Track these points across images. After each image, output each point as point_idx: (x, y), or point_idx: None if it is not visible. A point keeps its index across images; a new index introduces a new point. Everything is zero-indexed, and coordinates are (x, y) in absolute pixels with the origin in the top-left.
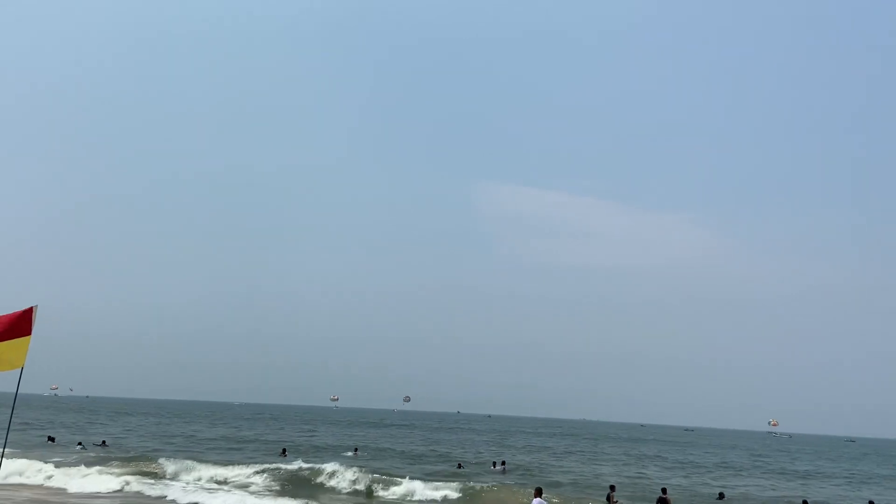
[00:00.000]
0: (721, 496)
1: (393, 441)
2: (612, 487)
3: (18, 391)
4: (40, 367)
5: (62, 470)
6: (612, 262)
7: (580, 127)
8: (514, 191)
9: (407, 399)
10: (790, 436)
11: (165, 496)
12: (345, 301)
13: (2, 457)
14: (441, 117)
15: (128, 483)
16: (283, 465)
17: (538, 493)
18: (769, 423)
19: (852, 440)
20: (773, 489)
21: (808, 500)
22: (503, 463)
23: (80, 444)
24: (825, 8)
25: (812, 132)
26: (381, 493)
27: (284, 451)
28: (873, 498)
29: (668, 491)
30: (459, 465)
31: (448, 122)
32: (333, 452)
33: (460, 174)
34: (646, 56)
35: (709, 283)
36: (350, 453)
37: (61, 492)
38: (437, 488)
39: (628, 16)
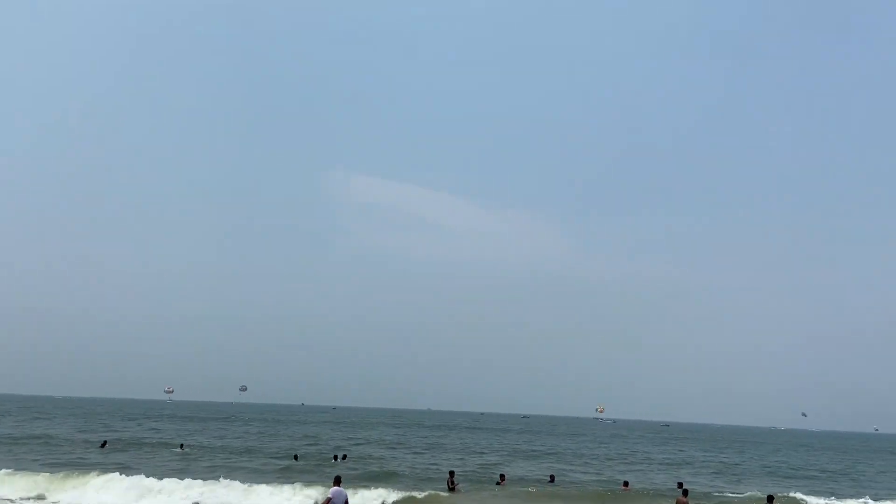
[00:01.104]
0: (552, 479)
1: (227, 435)
2: (452, 473)
3: None
4: None
5: None
6: (463, 257)
7: (439, 120)
8: (367, 182)
9: (243, 389)
10: (614, 421)
11: None
12: (181, 286)
13: None
14: (287, 102)
15: None
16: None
17: (337, 481)
18: (596, 409)
19: (667, 425)
20: (598, 474)
21: (629, 482)
22: (344, 456)
23: None
24: (656, 22)
25: (658, 141)
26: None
27: (104, 443)
28: (682, 479)
29: (505, 477)
30: (295, 456)
31: (294, 107)
32: (164, 448)
33: (305, 162)
34: (512, 50)
35: (551, 277)
36: (177, 449)
37: None
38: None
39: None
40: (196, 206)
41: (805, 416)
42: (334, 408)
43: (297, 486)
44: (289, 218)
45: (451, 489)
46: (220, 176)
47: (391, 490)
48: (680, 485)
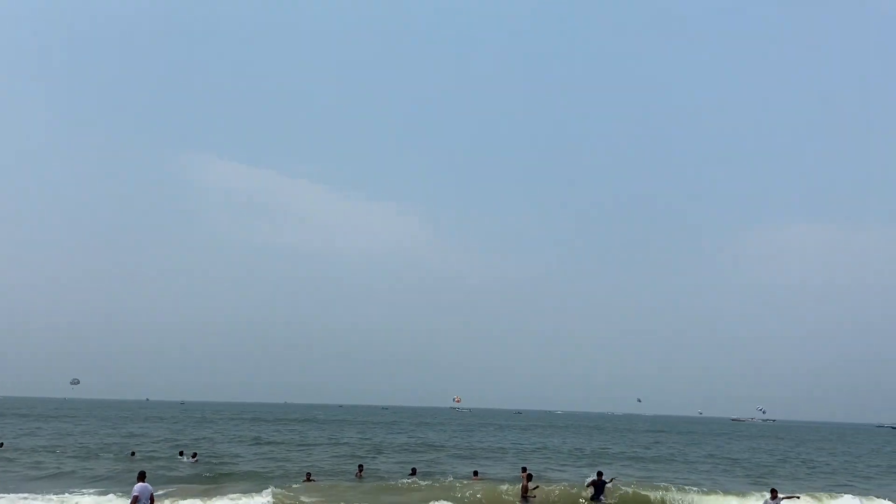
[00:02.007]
0: (413, 472)
1: (55, 433)
2: (308, 475)
3: None
4: None
5: None
6: (325, 247)
7: (301, 106)
8: (226, 166)
9: (75, 382)
10: (470, 410)
11: None
12: (8, 276)
13: None
14: (140, 77)
15: None
16: None
17: (141, 477)
18: (454, 399)
19: (519, 412)
20: (451, 465)
21: (479, 471)
22: (194, 455)
23: None
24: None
25: (515, 140)
26: None
27: None
28: (525, 465)
29: (363, 468)
30: (133, 452)
31: (150, 84)
32: None
33: (160, 143)
34: (372, 43)
35: (413, 270)
36: None
37: None
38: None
39: None
40: (30, 192)
41: (640, 401)
42: (182, 402)
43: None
44: (138, 203)
45: (308, 480)
46: (66, 162)
47: (243, 493)
48: (524, 469)
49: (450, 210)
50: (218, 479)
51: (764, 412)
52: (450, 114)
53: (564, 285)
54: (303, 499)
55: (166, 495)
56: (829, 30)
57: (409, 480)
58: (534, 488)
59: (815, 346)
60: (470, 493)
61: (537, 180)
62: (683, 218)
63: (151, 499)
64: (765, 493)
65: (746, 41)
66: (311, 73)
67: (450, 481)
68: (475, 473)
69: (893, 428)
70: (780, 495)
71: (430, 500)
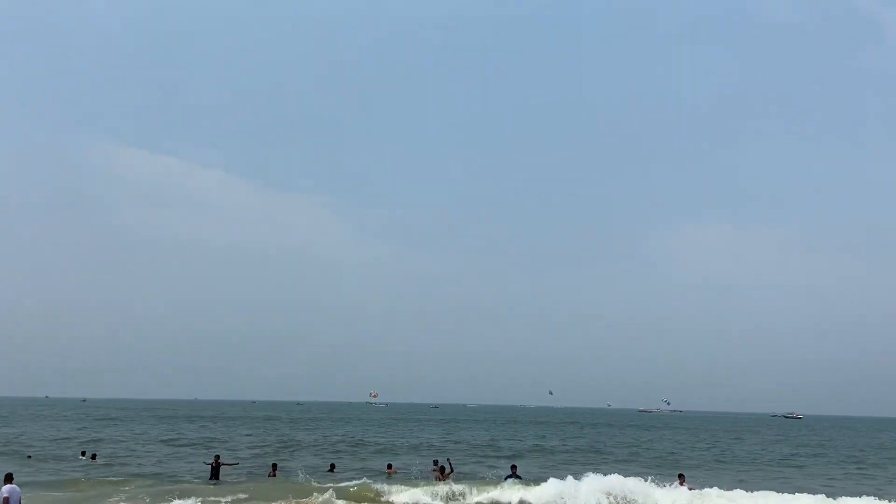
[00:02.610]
0: (332, 468)
1: None
2: (217, 458)
3: None
4: None
5: None
6: (235, 238)
7: (212, 89)
8: (127, 152)
9: None
10: (387, 405)
11: None
12: None
13: None
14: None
15: None
16: None
17: (8, 478)
18: (370, 394)
19: (436, 406)
20: (363, 461)
21: (393, 464)
22: (94, 456)
23: None
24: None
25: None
26: None
27: None
28: (438, 458)
29: (277, 466)
30: (29, 455)
31: (51, 68)
32: None
33: (61, 128)
34: (290, 34)
35: (324, 263)
36: None
37: None
38: None
39: None
40: None
41: (552, 394)
42: (84, 400)
43: None
44: (38, 191)
45: (216, 476)
46: None
47: (147, 495)
48: (435, 462)
49: (365, 203)
50: (119, 483)
51: (668, 403)
52: (364, 103)
53: (477, 281)
54: (209, 500)
55: (64, 499)
56: (743, 38)
57: (324, 482)
58: (448, 472)
59: (716, 339)
60: (385, 488)
61: (458, 177)
62: (595, 216)
63: (19, 502)
64: (673, 480)
65: (643, 40)
66: (230, 61)
67: (366, 480)
68: (389, 466)
69: (786, 417)
70: (686, 483)
71: (346, 500)
